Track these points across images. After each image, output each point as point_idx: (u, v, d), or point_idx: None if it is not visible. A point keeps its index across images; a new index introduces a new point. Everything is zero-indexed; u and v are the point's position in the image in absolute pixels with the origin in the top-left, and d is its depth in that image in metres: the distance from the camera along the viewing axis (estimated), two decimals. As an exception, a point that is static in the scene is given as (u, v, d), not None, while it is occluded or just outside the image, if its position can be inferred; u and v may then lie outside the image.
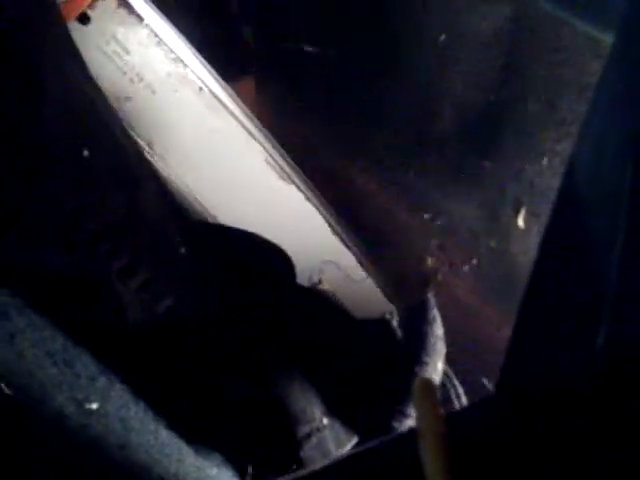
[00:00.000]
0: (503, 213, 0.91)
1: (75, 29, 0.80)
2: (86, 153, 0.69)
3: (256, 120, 0.95)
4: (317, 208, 0.97)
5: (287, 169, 0.95)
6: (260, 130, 0.95)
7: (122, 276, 0.69)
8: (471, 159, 0.93)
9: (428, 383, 0.37)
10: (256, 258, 0.86)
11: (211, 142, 0.92)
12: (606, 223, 0.50)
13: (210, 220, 0.90)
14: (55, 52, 0.69)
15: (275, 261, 0.88)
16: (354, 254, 1.00)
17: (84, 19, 0.82)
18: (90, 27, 0.82)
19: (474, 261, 0.96)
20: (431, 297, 0.89)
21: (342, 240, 0.99)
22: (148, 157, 0.88)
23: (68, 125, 0.68)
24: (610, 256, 0.47)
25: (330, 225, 0.98)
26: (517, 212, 0.89)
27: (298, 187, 0.96)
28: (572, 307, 0.52)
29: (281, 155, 0.96)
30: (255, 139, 0.94)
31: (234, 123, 0.93)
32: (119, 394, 0.64)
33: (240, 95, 1.02)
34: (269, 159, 0.94)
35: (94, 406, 0.62)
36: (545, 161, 0.85)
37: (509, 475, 0.36)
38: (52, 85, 0.66)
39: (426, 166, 1.01)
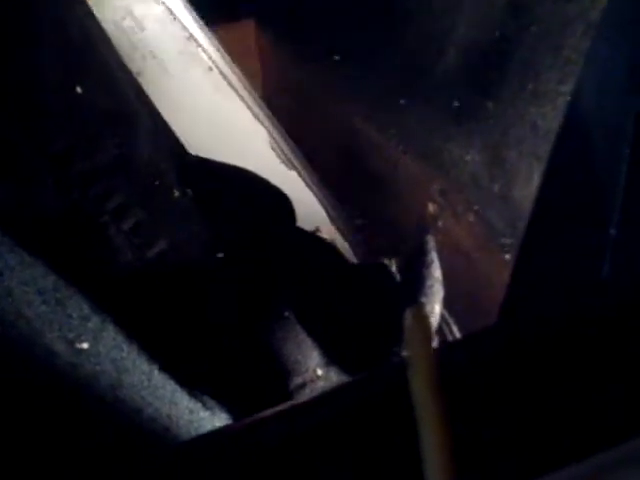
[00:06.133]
0: (506, 157, 0.89)
1: (94, 2, 0.79)
2: (79, 90, 0.67)
3: (262, 103, 0.95)
4: (316, 195, 0.98)
5: (290, 154, 0.96)
6: (266, 113, 0.95)
7: (114, 217, 0.68)
8: (473, 101, 0.91)
9: (420, 311, 0.36)
10: (254, 201, 0.85)
11: (217, 122, 0.92)
12: (609, 153, 0.49)
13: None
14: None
15: (274, 204, 0.86)
16: (349, 243, 1.00)
17: (103, -8, 0.82)
18: (107, 1, 0.81)
19: (476, 207, 0.94)
20: (430, 240, 0.88)
21: (338, 229, 0.99)
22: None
23: (61, 60, 0.67)
24: (613, 186, 0.46)
25: (327, 212, 0.99)
26: (520, 155, 0.87)
27: (299, 173, 0.96)
28: (576, 238, 0.51)
29: (285, 140, 0.96)
30: (260, 122, 0.94)
31: (240, 104, 0.93)
32: (112, 335, 0.64)
33: (240, 37, 1.00)
34: (273, 143, 0.95)
35: (85, 346, 0.61)
36: (549, 102, 0.83)
37: (503, 405, 0.35)
38: (45, 18, 0.65)
39: (427, 109, 0.99)
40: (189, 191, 0.76)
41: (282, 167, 0.95)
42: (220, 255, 0.76)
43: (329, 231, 0.99)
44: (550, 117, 0.84)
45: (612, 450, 0.33)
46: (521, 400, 0.35)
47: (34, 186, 0.64)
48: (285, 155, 0.95)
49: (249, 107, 0.93)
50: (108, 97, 0.70)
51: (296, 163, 0.96)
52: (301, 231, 0.89)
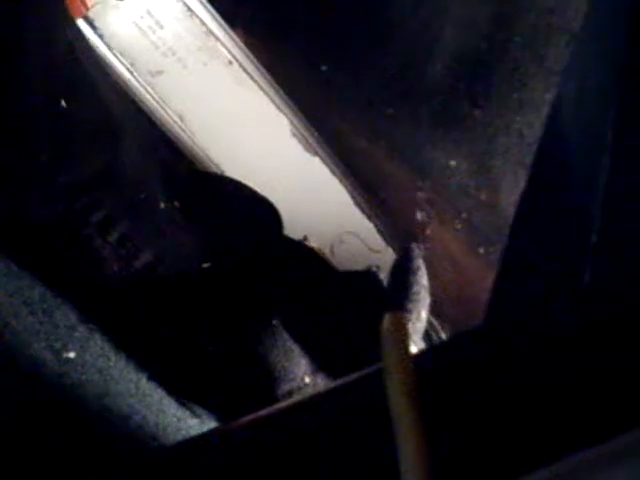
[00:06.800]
0: (493, 165, 0.90)
1: (112, 5, 0.82)
2: (63, 104, 0.67)
3: (283, 93, 0.97)
4: (340, 180, 0.99)
5: (313, 142, 0.97)
6: (287, 103, 0.97)
7: (99, 229, 0.68)
8: (460, 110, 0.92)
9: (396, 317, 0.36)
10: (241, 211, 0.85)
11: (239, 114, 0.94)
12: (589, 162, 0.50)
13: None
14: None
15: (262, 214, 0.87)
16: (375, 225, 1.01)
17: (120, -5, 0.84)
18: (126, 2, 0.84)
19: (464, 215, 0.95)
20: (415, 247, 0.88)
21: (363, 212, 1.01)
22: (178, 130, 0.90)
23: (45, 73, 0.67)
24: (594, 194, 0.46)
25: (352, 197, 1.00)
26: (506, 164, 0.88)
27: (323, 160, 0.97)
28: (558, 245, 0.52)
29: (307, 128, 0.97)
30: (282, 111, 0.96)
31: (262, 95, 0.95)
32: (98, 344, 0.64)
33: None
34: (295, 131, 0.96)
35: (72, 355, 0.61)
36: (534, 111, 0.84)
37: (484, 412, 0.36)
38: (30, 30, 0.65)
39: (414, 118, 1.00)
40: (176, 203, 0.77)
41: (305, 154, 0.96)
42: (207, 265, 0.76)
43: (355, 217, 1.01)
44: (536, 126, 0.85)
45: (590, 450, 0.33)
46: (497, 403, 0.36)
47: (18, 198, 0.64)
48: (308, 143, 0.97)
49: (270, 98, 0.95)
50: (93, 111, 0.70)
51: (320, 151, 0.98)
52: (289, 240, 0.90)
